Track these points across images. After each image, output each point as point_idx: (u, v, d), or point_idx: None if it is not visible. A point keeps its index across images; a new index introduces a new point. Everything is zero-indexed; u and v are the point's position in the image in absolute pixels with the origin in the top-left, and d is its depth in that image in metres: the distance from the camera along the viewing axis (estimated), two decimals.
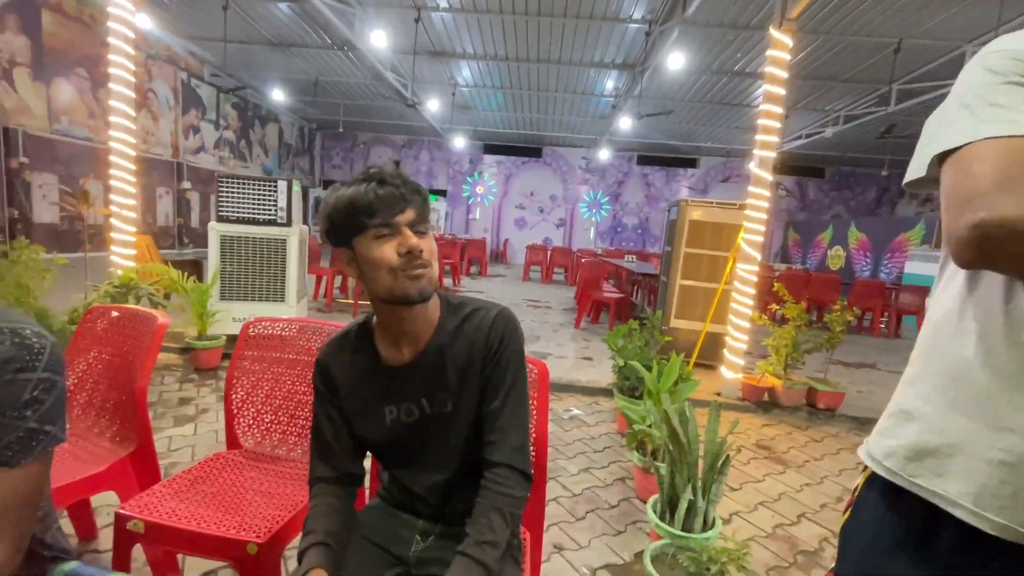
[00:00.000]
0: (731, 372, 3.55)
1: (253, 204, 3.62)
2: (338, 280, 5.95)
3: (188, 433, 2.47)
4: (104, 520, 1.67)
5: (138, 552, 1.14)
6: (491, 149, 15.06)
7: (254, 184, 3.62)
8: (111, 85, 3.48)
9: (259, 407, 1.48)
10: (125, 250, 3.69)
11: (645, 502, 2.00)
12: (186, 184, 10.01)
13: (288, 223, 3.66)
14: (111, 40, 3.45)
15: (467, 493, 0.85)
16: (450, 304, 0.92)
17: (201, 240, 10.30)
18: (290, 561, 1.48)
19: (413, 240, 0.79)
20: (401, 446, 0.92)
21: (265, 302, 3.70)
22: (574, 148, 14.70)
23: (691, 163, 14.64)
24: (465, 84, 9.94)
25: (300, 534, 1.14)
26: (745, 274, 3.46)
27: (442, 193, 15.27)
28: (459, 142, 12.77)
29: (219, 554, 1.07)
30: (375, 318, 0.92)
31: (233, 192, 3.59)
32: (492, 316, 0.89)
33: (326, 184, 14.95)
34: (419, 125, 13.09)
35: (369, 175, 0.81)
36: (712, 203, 4.20)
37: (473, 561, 0.75)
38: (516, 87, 9.86)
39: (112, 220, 3.71)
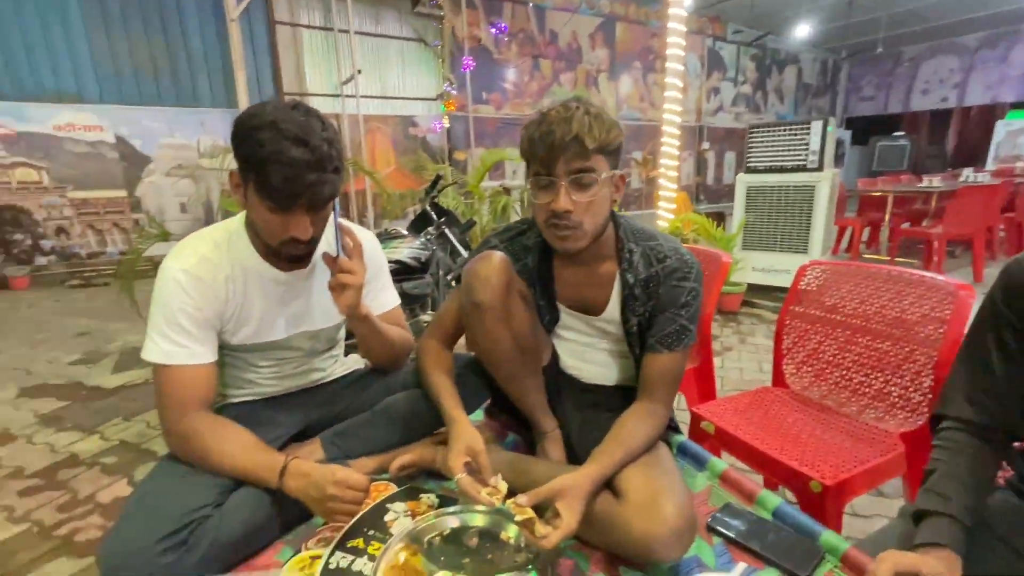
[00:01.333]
0: None
1: (782, 151, 3.54)
2: (866, 232, 5.10)
3: (717, 365, 2.78)
4: None
5: None
6: None
7: (784, 130, 3.52)
8: (668, 64, 4.13)
9: (809, 353, 1.45)
10: (669, 204, 4.44)
11: None
12: (705, 145, 10.99)
13: (820, 167, 3.37)
14: (670, 24, 4.06)
15: None
16: None
17: (714, 196, 11.20)
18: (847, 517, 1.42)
19: None
20: None
21: (786, 252, 3.62)
22: None
23: None
24: None
25: (863, 493, 1.07)
26: None
27: None
28: None
29: (778, 477, 1.14)
30: None
31: (762, 141, 3.63)
32: None
33: (850, 122, 12.90)
34: (1008, 10, 9.08)
35: None
36: None
37: None
38: None
39: (660, 180, 4.53)
